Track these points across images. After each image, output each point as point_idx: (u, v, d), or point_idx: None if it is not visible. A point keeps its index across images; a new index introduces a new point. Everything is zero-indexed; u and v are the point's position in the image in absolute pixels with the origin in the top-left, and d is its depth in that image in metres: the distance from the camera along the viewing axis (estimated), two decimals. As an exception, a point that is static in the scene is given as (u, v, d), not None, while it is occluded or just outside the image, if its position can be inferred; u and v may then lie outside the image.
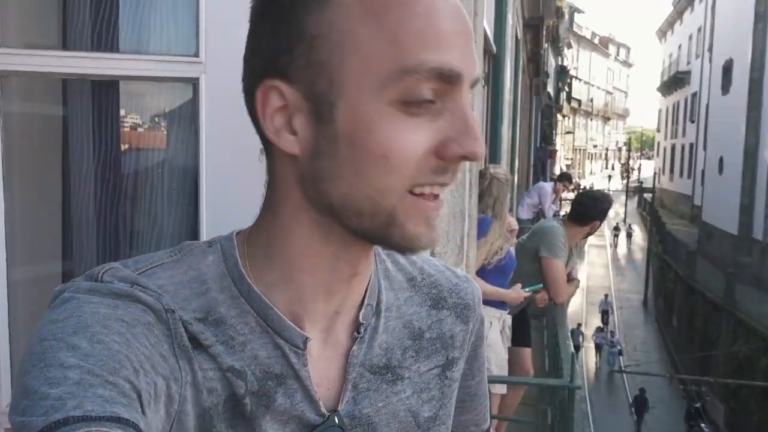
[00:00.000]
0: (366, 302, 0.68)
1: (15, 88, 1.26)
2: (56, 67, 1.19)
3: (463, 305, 0.77)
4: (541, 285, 3.81)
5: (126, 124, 1.31)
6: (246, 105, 0.62)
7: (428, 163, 0.57)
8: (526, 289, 3.68)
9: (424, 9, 0.55)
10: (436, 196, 0.59)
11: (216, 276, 0.62)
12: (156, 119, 1.34)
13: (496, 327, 3.54)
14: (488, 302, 3.48)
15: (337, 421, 0.64)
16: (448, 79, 0.56)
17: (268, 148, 0.62)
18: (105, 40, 1.22)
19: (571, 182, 8.25)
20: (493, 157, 4.78)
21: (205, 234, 1.17)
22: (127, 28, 1.26)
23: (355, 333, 0.67)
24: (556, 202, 9.11)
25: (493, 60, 4.77)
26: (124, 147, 1.31)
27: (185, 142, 1.29)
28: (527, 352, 4.10)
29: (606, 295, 25.75)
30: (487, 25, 4.26)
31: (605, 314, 24.62)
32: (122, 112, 1.30)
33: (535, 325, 5.01)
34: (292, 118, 0.58)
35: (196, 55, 1.21)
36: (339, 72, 0.56)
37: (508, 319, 3.69)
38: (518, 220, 8.48)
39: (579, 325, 22.40)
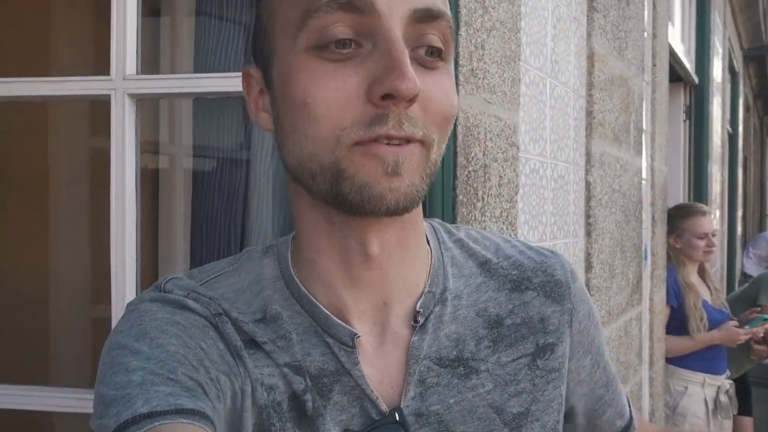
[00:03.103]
0: (427, 290, 0.63)
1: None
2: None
3: (552, 283, 0.68)
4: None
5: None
6: None
7: (362, 111, 0.52)
8: (749, 326, 2.96)
9: None
10: (397, 145, 0.52)
11: (270, 278, 0.63)
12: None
13: (697, 395, 2.95)
14: (682, 363, 2.98)
15: (397, 417, 0.59)
16: (357, 10, 0.51)
17: None
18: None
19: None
20: (698, 197, 4.28)
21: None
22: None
23: (413, 323, 0.62)
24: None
25: (695, 91, 4.34)
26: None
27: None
28: (747, 423, 3.49)
29: None
30: (684, 54, 3.91)
31: None
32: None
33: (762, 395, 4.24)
34: (266, 98, 0.60)
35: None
36: (273, 35, 0.57)
37: (725, 384, 3.02)
38: (744, 275, 7.44)
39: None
